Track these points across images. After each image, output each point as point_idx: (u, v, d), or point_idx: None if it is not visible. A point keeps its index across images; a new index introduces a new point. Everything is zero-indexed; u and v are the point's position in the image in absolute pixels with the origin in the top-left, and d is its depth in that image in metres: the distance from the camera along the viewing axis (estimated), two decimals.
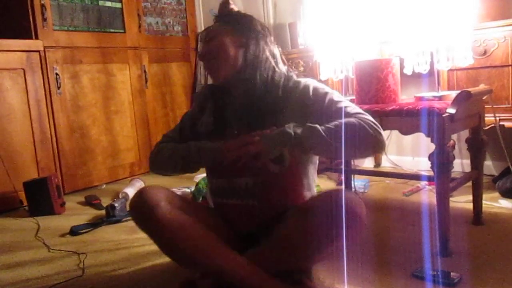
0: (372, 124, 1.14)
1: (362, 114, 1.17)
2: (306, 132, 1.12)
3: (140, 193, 1.19)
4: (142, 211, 1.16)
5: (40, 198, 2.26)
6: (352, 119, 1.14)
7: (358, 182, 2.28)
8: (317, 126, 1.12)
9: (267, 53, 1.30)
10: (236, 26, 1.30)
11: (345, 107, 1.18)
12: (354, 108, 1.19)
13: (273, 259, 1.19)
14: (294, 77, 1.31)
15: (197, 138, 1.32)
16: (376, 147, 1.16)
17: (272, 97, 1.26)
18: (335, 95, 1.24)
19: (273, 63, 1.30)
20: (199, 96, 1.44)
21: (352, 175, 2.13)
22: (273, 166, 1.21)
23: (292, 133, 1.12)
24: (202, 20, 3.62)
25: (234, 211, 1.29)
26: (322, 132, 1.11)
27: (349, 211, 1.09)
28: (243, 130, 1.23)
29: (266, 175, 1.23)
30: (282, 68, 1.32)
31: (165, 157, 1.32)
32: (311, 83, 1.27)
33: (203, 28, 3.59)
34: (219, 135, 1.27)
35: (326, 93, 1.23)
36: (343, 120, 1.13)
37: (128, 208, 2.13)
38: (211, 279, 1.23)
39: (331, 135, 1.11)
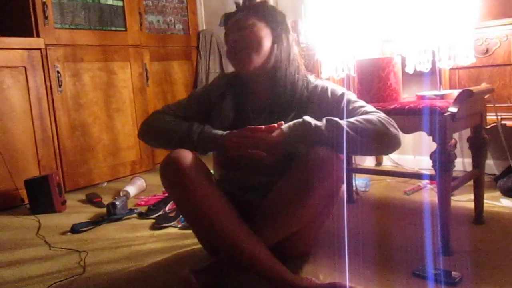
0: (390, 122, 1.19)
1: (379, 112, 1.22)
2: (328, 125, 1.14)
3: (170, 157, 1.20)
4: (173, 174, 1.18)
5: (41, 196, 2.26)
6: (371, 116, 1.16)
7: (359, 180, 2.28)
8: (338, 119, 1.16)
9: (295, 53, 1.35)
10: (270, 19, 1.30)
11: (362, 106, 1.24)
12: (370, 108, 1.24)
13: (269, 225, 1.23)
14: (312, 79, 1.35)
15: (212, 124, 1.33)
16: (395, 145, 1.21)
17: (297, 99, 1.30)
18: (352, 96, 1.29)
19: (298, 64, 1.34)
20: (214, 85, 1.41)
21: (353, 174, 2.12)
22: (284, 162, 1.24)
23: (313, 125, 1.14)
24: (203, 19, 3.62)
25: (237, 203, 1.30)
26: (344, 126, 1.14)
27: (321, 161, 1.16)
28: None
29: (278, 175, 1.25)
30: (303, 69, 1.35)
31: (160, 129, 1.30)
32: (329, 85, 1.32)
33: (204, 27, 3.60)
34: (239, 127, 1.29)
35: (343, 94, 1.29)
36: (363, 117, 1.18)
37: (129, 206, 2.15)
38: (215, 269, 1.23)
39: (353, 129, 1.15)
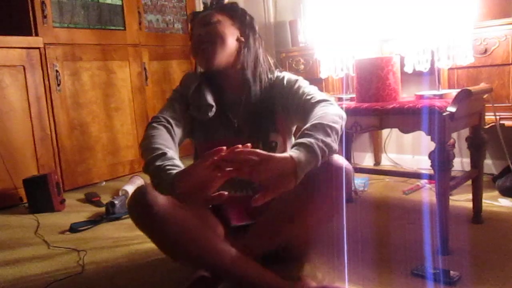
0: (341, 115, 1.17)
1: (330, 102, 1.20)
2: (312, 159, 1.04)
3: (137, 192, 1.15)
4: (139, 206, 1.12)
5: (40, 195, 2.26)
6: (332, 116, 1.13)
7: (358, 180, 2.28)
8: (315, 146, 1.04)
9: (262, 55, 1.36)
10: (237, 19, 1.32)
11: (312, 94, 1.24)
12: (320, 95, 1.24)
13: (268, 234, 1.20)
14: (276, 73, 1.37)
15: (192, 123, 1.32)
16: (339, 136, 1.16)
17: (267, 96, 1.32)
18: (304, 83, 1.31)
19: (266, 66, 1.36)
20: (186, 82, 1.38)
21: (352, 173, 2.12)
22: None
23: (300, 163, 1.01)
24: None
25: (232, 203, 1.29)
26: (320, 151, 1.05)
27: (335, 168, 1.11)
28: (242, 124, 1.30)
29: None
30: (272, 70, 1.38)
31: (144, 151, 1.22)
32: (285, 74, 1.35)
33: None
34: (221, 124, 1.31)
35: (296, 80, 1.32)
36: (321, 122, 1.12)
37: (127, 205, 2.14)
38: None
39: (325, 149, 1.07)
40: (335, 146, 1.08)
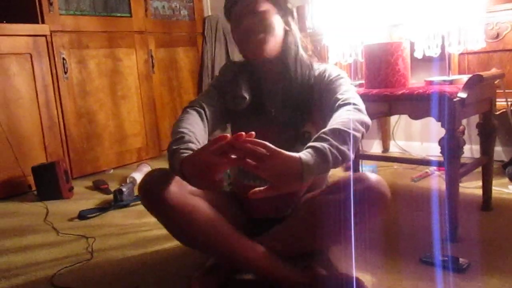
0: (366, 124, 1.12)
1: (359, 108, 1.15)
2: (322, 164, 1.00)
3: (148, 176, 1.15)
4: (151, 194, 1.12)
5: (48, 182, 2.27)
6: (355, 123, 1.08)
7: (366, 167, 2.27)
8: (328, 152, 1.00)
9: (302, 39, 1.33)
10: (279, 6, 1.28)
11: (347, 98, 1.17)
12: (354, 98, 1.17)
13: (288, 242, 1.19)
14: (316, 65, 1.33)
15: (229, 111, 1.31)
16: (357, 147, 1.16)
17: (306, 86, 1.28)
18: (344, 81, 1.25)
19: (308, 54, 1.33)
20: (225, 72, 1.37)
21: (360, 160, 2.11)
22: (301, 147, 1.19)
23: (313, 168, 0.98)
24: (209, 5, 3.58)
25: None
26: (331, 157, 1.01)
27: (374, 191, 1.08)
28: (279, 112, 1.28)
29: None
30: (310, 55, 1.34)
31: (170, 134, 1.20)
32: (327, 67, 1.30)
33: (210, 13, 3.56)
34: (256, 114, 1.28)
35: (337, 76, 1.26)
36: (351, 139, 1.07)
37: (135, 193, 2.16)
38: (222, 266, 1.23)
39: (338, 157, 1.03)
40: (351, 154, 1.04)
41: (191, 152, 1.05)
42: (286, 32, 1.30)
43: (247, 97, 1.29)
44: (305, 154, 0.97)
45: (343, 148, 1.02)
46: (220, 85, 1.33)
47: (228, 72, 1.35)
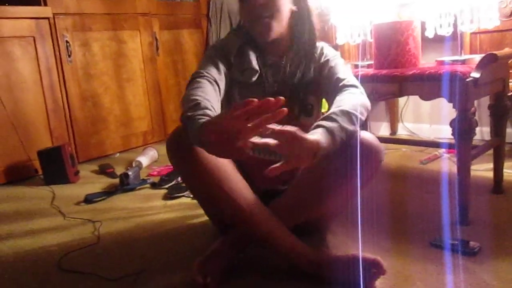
0: (368, 107, 1.19)
1: (361, 91, 1.21)
2: (332, 145, 1.06)
3: (176, 133, 1.15)
4: (181, 147, 1.13)
5: (54, 166, 2.27)
6: (360, 107, 1.14)
7: None
8: (337, 133, 1.06)
9: (313, 23, 1.33)
10: None
11: (347, 78, 1.24)
12: (353, 79, 1.23)
13: (295, 206, 1.22)
14: (321, 46, 1.35)
15: (231, 83, 1.30)
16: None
17: (307, 62, 1.32)
18: (339, 59, 1.31)
19: (314, 34, 1.33)
20: (229, 41, 1.35)
21: None
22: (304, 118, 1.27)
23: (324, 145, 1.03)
24: None
25: (263, 167, 1.25)
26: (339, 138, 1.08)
27: (365, 146, 1.13)
28: (283, 85, 1.30)
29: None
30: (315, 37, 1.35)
31: (182, 104, 1.17)
32: (323, 46, 1.35)
33: None
34: (260, 86, 1.30)
35: (334, 56, 1.32)
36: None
37: (141, 176, 2.15)
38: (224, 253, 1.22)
39: (344, 137, 1.10)
40: (357, 135, 1.12)
41: (208, 118, 1.00)
42: (295, 14, 1.29)
43: (258, 69, 1.30)
44: (321, 137, 1.02)
45: (351, 128, 1.10)
46: (223, 57, 1.30)
47: (233, 44, 1.33)
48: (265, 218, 1.17)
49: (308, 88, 1.31)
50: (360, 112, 1.13)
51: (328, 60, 1.30)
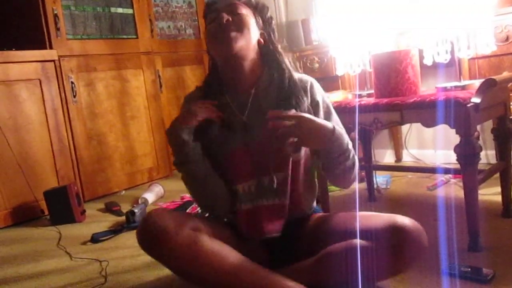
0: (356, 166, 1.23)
1: (353, 153, 1.22)
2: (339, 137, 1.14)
3: (145, 220, 1.15)
4: (149, 239, 1.12)
5: (60, 206, 2.27)
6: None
7: (380, 178, 2.23)
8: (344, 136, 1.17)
9: (282, 53, 1.31)
10: (258, 16, 1.28)
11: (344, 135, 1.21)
12: (346, 136, 1.21)
13: (316, 279, 1.16)
14: (296, 74, 1.30)
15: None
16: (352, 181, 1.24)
17: (286, 94, 1.24)
18: (330, 104, 1.29)
19: (286, 64, 1.29)
20: (191, 97, 1.34)
21: (374, 171, 2.08)
22: (290, 150, 1.18)
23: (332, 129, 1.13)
24: None
25: (262, 214, 1.24)
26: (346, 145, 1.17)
27: (415, 244, 1.08)
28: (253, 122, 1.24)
29: (292, 169, 1.22)
30: (289, 67, 1.31)
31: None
32: (313, 82, 1.29)
33: None
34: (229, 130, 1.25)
35: (328, 104, 1.29)
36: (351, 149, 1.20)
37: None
38: None
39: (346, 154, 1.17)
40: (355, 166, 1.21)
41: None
42: (262, 42, 1.27)
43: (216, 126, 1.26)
44: (331, 124, 1.14)
45: (351, 152, 1.19)
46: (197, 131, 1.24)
47: (194, 97, 1.32)
48: (276, 283, 1.12)
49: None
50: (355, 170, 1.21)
51: (318, 104, 1.25)
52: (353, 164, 1.20)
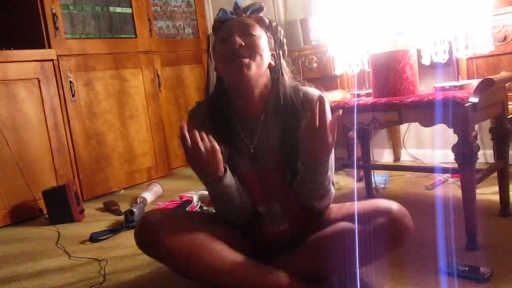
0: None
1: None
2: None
3: (142, 222, 1.16)
4: (147, 240, 1.14)
5: (59, 206, 2.27)
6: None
7: (378, 177, 2.23)
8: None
9: (290, 75, 1.29)
10: (271, 37, 1.25)
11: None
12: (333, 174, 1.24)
13: (307, 267, 1.18)
14: (301, 87, 1.28)
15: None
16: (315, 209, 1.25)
17: (289, 107, 1.23)
18: None
19: (291, 87, 1.27)
20: (195, 113, 1.33)
21: (372, 171, 2.08)
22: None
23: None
24: (212, 21, 3.60)
25: (265, 237, 1.28)
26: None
27: (399, 225, 1.12)
28: (268, 152, 1.24)
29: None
30: (294, 81, 1.30)
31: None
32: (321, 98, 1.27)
33: None
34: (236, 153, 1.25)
35: None
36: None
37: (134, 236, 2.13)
38: None
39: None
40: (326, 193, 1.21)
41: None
42: (273, 64, 1.25)
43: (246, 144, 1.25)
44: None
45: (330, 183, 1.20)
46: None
47: (198, 114, 1.31)
48: (272, 277, 1.15)
49: (296, 148, 1.18)
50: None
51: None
52: (323, 196, 1.19)
